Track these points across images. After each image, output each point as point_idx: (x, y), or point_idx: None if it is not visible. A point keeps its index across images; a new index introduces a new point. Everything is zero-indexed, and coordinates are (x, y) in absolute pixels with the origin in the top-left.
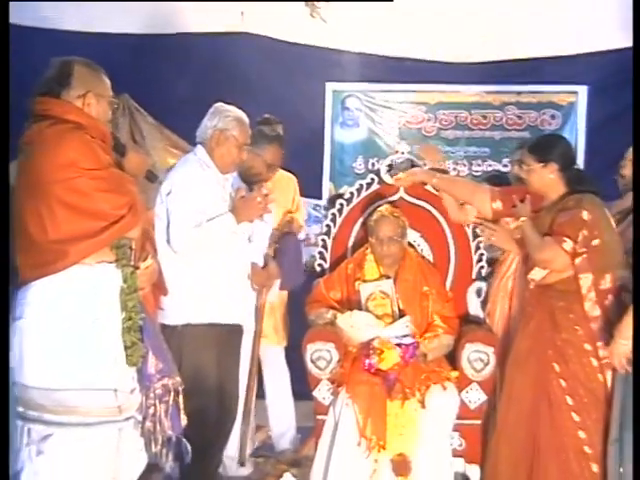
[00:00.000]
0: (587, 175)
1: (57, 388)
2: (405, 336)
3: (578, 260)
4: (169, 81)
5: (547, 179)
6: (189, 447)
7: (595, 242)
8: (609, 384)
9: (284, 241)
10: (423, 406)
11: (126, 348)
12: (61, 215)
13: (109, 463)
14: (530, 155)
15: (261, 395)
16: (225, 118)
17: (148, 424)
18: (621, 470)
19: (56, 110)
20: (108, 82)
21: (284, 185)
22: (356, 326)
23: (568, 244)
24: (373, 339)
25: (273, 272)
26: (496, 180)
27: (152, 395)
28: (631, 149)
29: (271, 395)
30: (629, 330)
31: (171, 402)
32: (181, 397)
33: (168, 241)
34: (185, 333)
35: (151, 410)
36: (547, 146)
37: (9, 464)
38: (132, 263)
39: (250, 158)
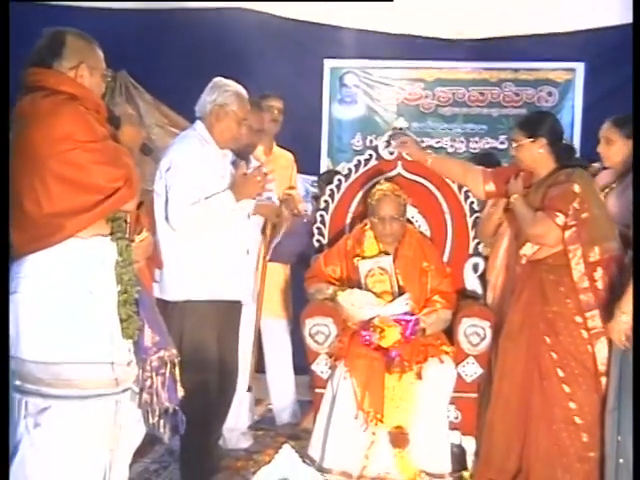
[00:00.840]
0: (575, 150)
1: (54, 361)
2: (405, 313)
3: (568, 233)
4: (166, 57)
5: (536, 154)
6: (184, 418)
7: (584, 215)
8: (599, 355)
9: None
10: (420, 378)
11: (122, 321)
12: (56, 189)
13: (106, 435)
14: (519, 131)
15: (261, 369)
16: (224, 93)
17: (145, 396)
18: (619, 438)
19: (49, 81)
20: (101, 55)
21: (283, 163)
22: (357, 304)
23: (560, 218)
24: (373, 317)
25: (284, 213)
26: (485, 159)
27: (148, 367)
28: (605, 126)
29: (272, 369)
30: (629, 306)
31: (167, 374)
32: (177, 369)
33: (166, 218)
34: (186, 309)
35: (148, 382)
36: (536, 122)
37: (9, 437)
38: (127, 236)
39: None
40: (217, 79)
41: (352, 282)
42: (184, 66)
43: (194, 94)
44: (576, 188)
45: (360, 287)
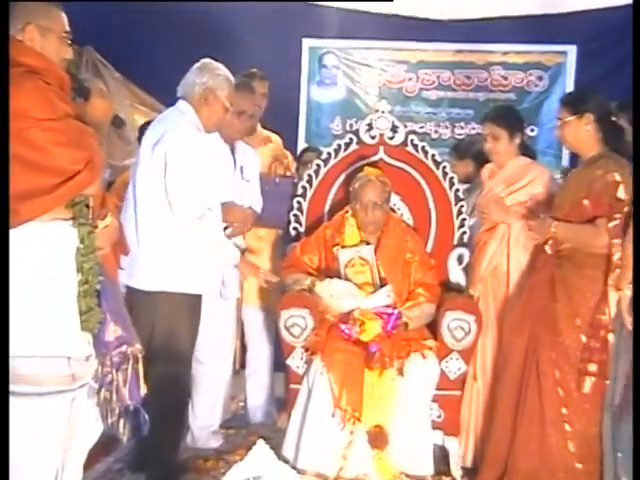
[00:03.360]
0: (624, 130)
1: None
2: (387, 306)
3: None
4: (137, 35)
5: (583, 132)
6: (147, 417)
7: (626, 209)
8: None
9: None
10: (401, 374)
11: (82, 313)
12: (11, 170)
13: (60, 434)
14: (564, 108)
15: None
16: (216, 76)
17: (104, 393)
18: (619, 455)
19: (11, 52)
20: (62, 16)
21: (271, 146)
22: (336, 295)
23: (613, 222)
24: (353, 309)
25: (248, 212)
26: (468, 146)
27: (109, 363)
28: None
29: (251, 363)
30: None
31: (130, 370)
32: (141, 365)
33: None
34: (160, 299)
35: (108, 378)
36: (582, 97)
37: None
38: (90, 222)
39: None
40: (206, 60)
41: (331, 272)
42: (156, 45)
43: (167, 73)
44: (620, 189)
45: (340, 278)
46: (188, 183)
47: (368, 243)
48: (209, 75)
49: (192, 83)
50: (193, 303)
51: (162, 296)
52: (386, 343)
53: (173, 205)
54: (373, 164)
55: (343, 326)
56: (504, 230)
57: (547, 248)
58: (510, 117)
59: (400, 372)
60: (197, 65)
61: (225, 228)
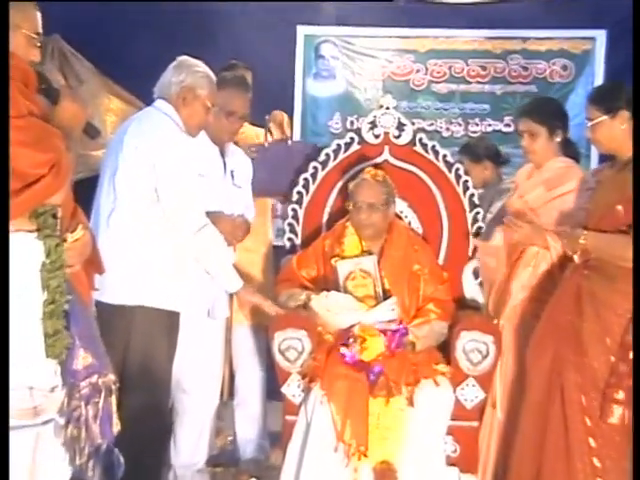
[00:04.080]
0: None
1: None
2: (391, 321)
3: None
4: (111, 23)
5: (618, 132)
6: (121, 459)
7: None
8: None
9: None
10: (411, 404)
11: (47, 337)
12: None
13: (23, 476)
14: (593, 107)
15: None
16: (194, 74)
17: (72, 430)
18: None
19: None
20: (34, 15)
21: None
22: (333, 310)
23: None
24: (353, 325)
25: (237, 222)
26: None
27: (77, 395)
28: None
29: (240, 391)
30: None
31: (101, 404)
32: (114, 398)
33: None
34: (135, 315)
35: (76, 413)
36: (612, 93)
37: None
38: (57, 234)
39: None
40: (183, 58)
41: (330, 286)
42: (133, 32)
43: (146, 63)
44: None
45: (339, 291)
46: (184, 192)
47: (370, 253)
48: (186, 73)
49: (169, 83)
50: (172, 322)
51: (138, 311)
52: (391, 365)
53: (168, 216)
54: (376, 166)
55: (343, 350)
56: (535, 255)
57: (575, 257)
58: (550, 111)
59: (410, 402)
60: (173, 64)
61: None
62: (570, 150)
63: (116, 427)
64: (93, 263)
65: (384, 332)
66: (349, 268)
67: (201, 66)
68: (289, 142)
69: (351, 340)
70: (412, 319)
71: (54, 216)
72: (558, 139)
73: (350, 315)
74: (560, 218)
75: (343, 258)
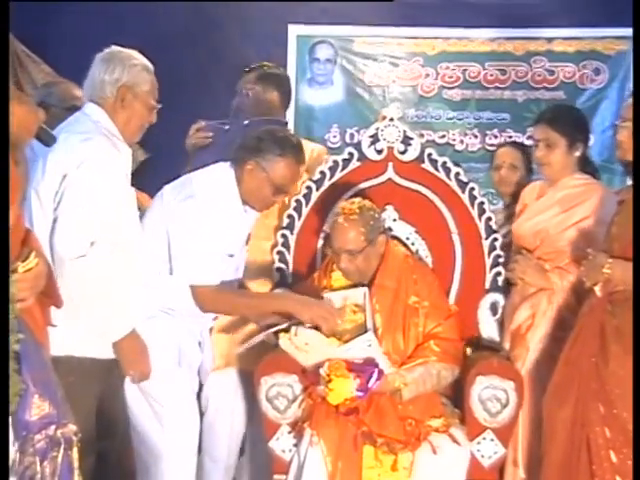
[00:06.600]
0: None
1: None
2: (369, 361)
3: None
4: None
5: None
6: None
7: None
8: None
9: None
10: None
11: None
12: None
13: None
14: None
15: None
16: (131, 69)
17: None
18: None
19: None
20: None
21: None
22: (302, 348)
23: None
24: (322, 363)
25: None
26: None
27: (31, 450)
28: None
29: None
30: None
31: (60, 459)
32: (75, 450)
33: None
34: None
35: (30, 472)
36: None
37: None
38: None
39: (255, 174)
40: (113, 48)
41: None
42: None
43: None
44: None
45: None
46: (75, 210)
47: (362, 284)
48: (122, 68)
49: (101, 82)
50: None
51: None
52: (372, 416)
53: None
54: (379, 185)
55: (319, 390)
56: (546, 302)
57: (597, 290)
58: (573, 121)
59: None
60: (101, 55)
61: None
62: (589, 167)
63: None
64: (49, 295)
65: (356, 372)
66: (338, 303)
67: (136, 57)
68: (226, 127)
69: (319, 380)
70: (408, 359)
71: None
72: (577, 153)
73: (319, 352)
74: (578, 243)
75: (332, 290)
